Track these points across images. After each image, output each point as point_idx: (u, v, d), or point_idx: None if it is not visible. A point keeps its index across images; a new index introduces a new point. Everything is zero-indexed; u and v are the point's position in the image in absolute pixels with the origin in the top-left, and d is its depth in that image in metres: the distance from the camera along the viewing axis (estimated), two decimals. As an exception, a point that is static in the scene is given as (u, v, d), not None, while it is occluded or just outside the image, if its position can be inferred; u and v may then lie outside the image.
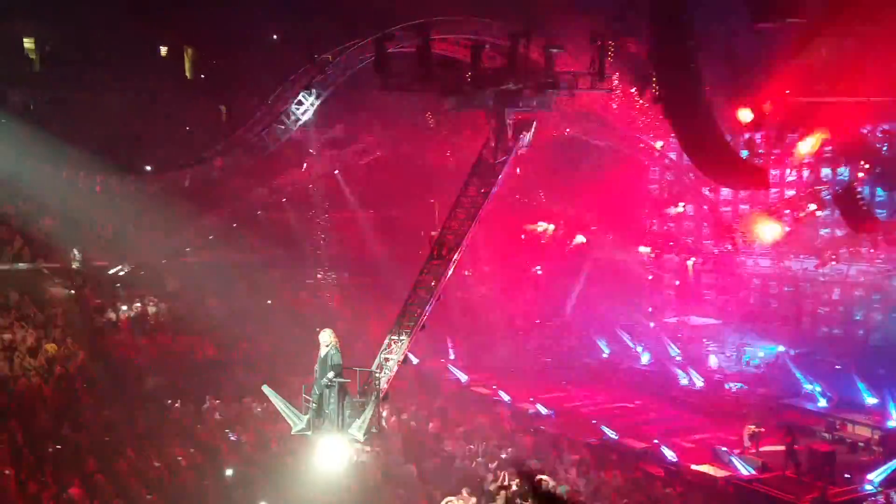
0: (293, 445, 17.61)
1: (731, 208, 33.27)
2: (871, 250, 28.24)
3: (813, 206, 27.95)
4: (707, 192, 32.17)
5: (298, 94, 25.26)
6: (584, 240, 35.20)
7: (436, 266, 16.93)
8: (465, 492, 15.28)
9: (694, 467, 21.60)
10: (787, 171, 30.77)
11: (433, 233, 17.81)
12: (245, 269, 32.60)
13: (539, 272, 35.40)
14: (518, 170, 26.08)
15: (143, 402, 23.17)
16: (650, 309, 35.17)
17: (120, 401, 23.24)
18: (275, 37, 36.61)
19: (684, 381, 29.33)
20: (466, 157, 19.96)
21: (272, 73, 29.41)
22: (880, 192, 28.74)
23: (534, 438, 22.75)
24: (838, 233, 29.27)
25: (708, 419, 26.31)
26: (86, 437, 20.14)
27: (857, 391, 25.89)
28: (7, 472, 17.88)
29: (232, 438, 21.03)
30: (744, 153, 26.50)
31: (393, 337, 16.41)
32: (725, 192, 32.13)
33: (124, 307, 30.20)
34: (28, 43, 37.28)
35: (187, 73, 38.50)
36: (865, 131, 27.17)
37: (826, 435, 24.46)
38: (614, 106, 26.42)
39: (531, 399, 26.72)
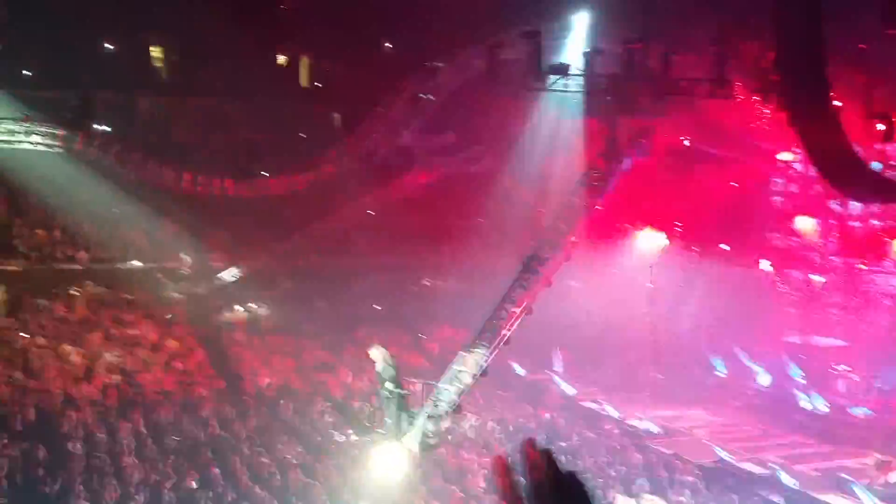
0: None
1: (861, 223, 32.04)
2: None
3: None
4: (835, 206, 31.15)
5: (410, 101, 26.05)
6: (697, 252, 34.55)
7: (527, 279, 17.10)
8: None
9: (815, 496, 20.98)
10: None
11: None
12: (354, 273, 33.74)
13: (651, 285, 34.91)
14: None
15: (255, 400, 24.23)
16: (771, 328, 34.15)
17: (234, 398, 24.45)
18: (388, 45, 37.73)
19: (806, 405, 28.35)
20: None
21: (385, 80, 30.34)
22: None
23: (643, 457, 22.54)
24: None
25: (831, 446, 25.32)
26: (203, 431, 21.29)
27: None
28: (131, 462, 19.16)
29: (338, 439, 21.76)
30: (875, 165, 25.66)
31: (469, 350, 16.61)
32: (855, 205, 31.01)
33: (239, 307, 31.80)
34: (155, 52, 39.69)
35: (302, 82, 40.15)
36: None
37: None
38: (735, 114, 26.02)
39: (640, 416, 26.43)
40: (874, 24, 19.41)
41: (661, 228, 34.67)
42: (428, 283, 32.36)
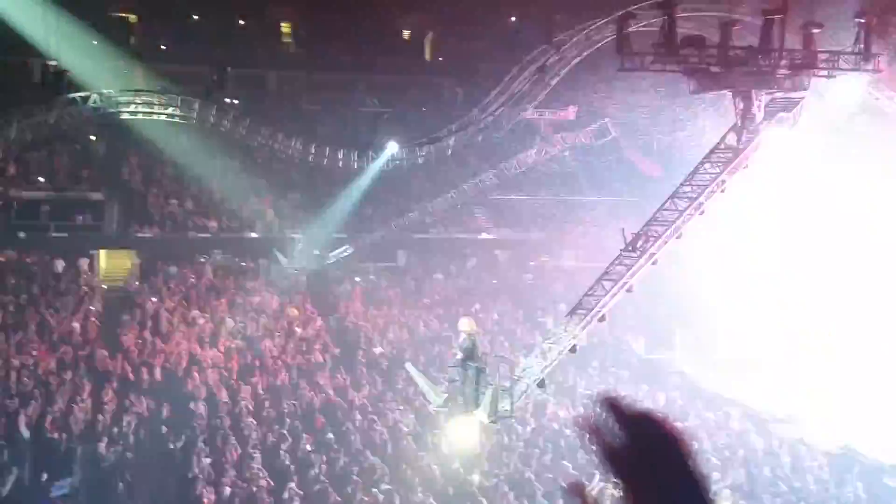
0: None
1: None
2: None
3: None
4: None
5: (534, 75, 25.48)
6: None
7: (629, 258, 16.39)
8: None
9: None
10: None
11: (623, 227, 17.12)
12: (473, 247, 33.60)
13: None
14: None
15: (370, 369, 24.39)
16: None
17: (349, 366, 24.71)
18: (513, 18, 37.17)
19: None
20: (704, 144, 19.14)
21: (509, 54, 29.85)
22: None
23: (765, 440, 21.55)
24: None
25: None
26: (319, 397, 21.59)
27: None
28: (250, 423, 19.63)
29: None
30: None
31: (561, 326, 16.16)
32: None
33: (357, 278, 32.14)
34: (285, 27, 40.48)
35: (427, 56, 40.13)
36: None
37: None
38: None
39: (766, 399, 25.28)
40: None
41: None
42: (546, 259, 31.82)
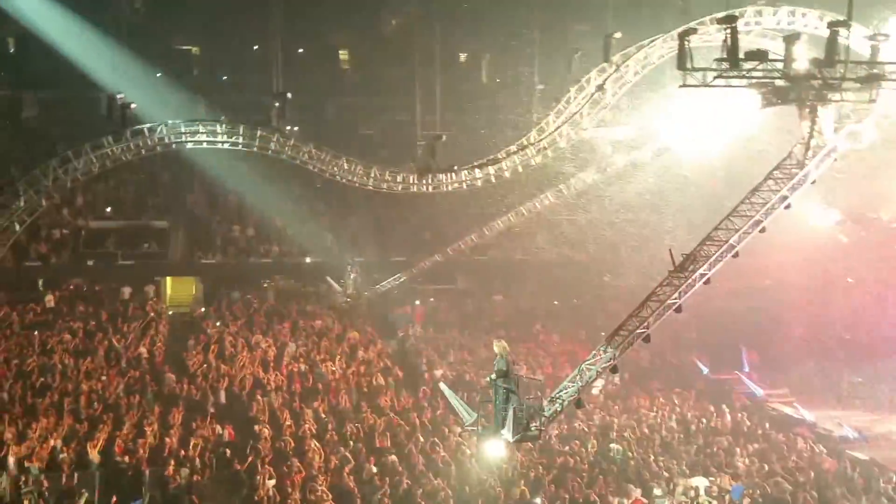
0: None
1: None
2: None
3: None
4: None
5: (592, 94, 25.27)
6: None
7: (677, 277, 16.07)
8: None
9: None
10: None
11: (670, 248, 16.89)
12: (532, 268, 33.45)
13: (851, 281, 32.33)
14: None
15: (431, 391, 24.33)
16: None
17: (411, 388, 24.70)
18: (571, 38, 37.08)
19: None
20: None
21: (567, 74, 29.74)
22: None
23: (837, 462, 20.90)
24: None
25: None
26: (380, 419, 21.59)
27: None
28: (314, 445, 19.71)
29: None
30: None
31: (602, 348, 15.96)
32: None
33: (417, 301, 32.26)
34: (343, 54, 41.10)
35: (483, 78, 40.32)
36: None
37: None
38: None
39: (838, 421, 24.58)
40: None
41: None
42: (607, 279, 31.47)
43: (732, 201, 17.23)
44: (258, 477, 17.86)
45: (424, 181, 29.60)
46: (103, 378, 24.01)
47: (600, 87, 25.00)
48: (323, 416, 22.03)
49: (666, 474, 19.46)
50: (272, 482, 17.66)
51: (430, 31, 37.33)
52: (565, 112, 25.95)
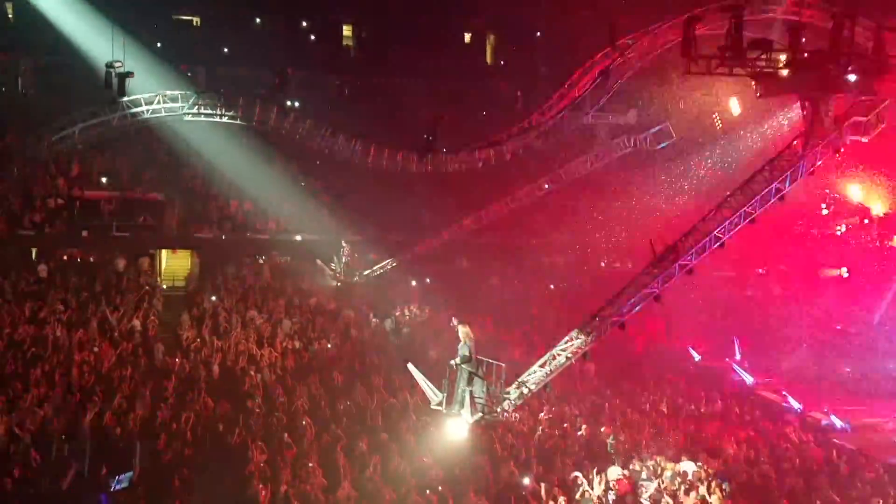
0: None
1: None
2: None
3: None
4: None
5: (596, 79, 25.45)
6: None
7: (657, 267, 16.31)
8: None
9: None
10: None
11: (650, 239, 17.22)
12: (529, 252, 33.68)
13: (844, 274, 32.66)
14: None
15: (427, 371, 24.54)
16: None
17: (403, 368, 24.91)
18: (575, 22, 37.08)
19: None
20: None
21: (571, 58, 29.86)
22: None
23: (824, 450, 21.23)
24: None
25: None
26: (373, 397, 21.85)
27: None
28: (305, 422, 19.95)
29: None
30: None
31: (574, 334, 16.25)
32: None
33: (414, 281, 32.47)
34: (346, 31, 41.03)
35: (487, 59, 40.32)
36: None
37: None
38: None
39: (825, 409, 24.99)
40: None
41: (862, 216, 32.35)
42: (603, 265, 31.72)
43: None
44: (250, 452, 18.10)
45: (425, 161, 29.79)
46: (95, 350, 24.16)
47: (604, 72, 25.19)
48: (316, 393, 22.28)
49: (655, 458, 19.77)
50: (264, 457, 17.91)
51: (434, 10, 37.24)
52: (568, 96, 26.17)
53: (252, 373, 23.09)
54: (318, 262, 31.35)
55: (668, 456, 19.99)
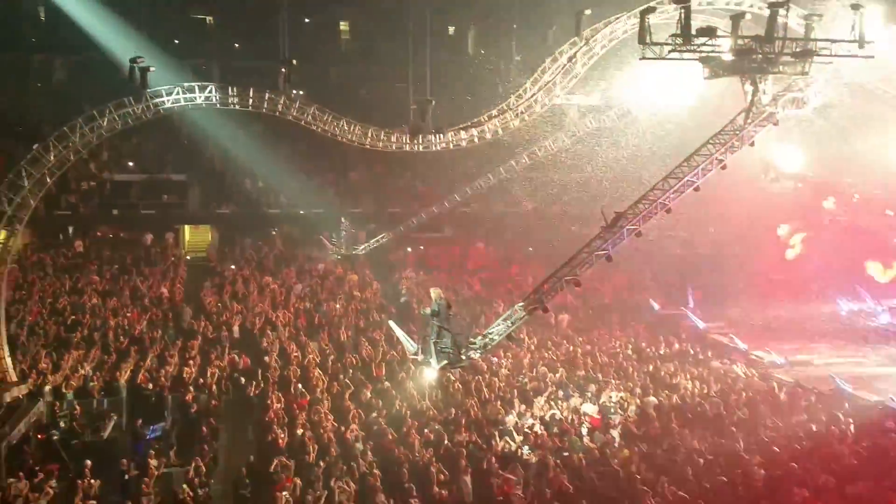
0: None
1: None
2: None
3: None
4: None
5: (565, 65, 25.36)
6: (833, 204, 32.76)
7: (608, 233, 16.43)
8: None
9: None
10: None
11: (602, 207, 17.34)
12: (510, 218, 33.92)
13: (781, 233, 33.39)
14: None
15: (420, 327, 24.82)
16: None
17: (403, 324, 25.18)
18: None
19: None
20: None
21: (542, 47, 29.93)
22: None
23: (767, 384, 21.67)
24: None
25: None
26: (379, 352, 22.13)
27: None
28: (317, 373, 20.26)
29: (493, 360, 22.09)
30: None
31: (535, 291, 16.47)
32: None
33: (409, 248, 32.70)
34: (344, 25, 40.76)
35: (470, 49, 40.15)
36: None
37: None
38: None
39: (766, 349, 25.57)
40: None
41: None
42: (574, 229, 31.86)
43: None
44: (268, 401, 18.42)
45: (416, 141, 29.73)
46: (128, 315, 24.44)
47: (571, 59, 25.11)
48: (325, 348, 22.58)
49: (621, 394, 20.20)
50: (280, 405, 18.24)
51: (422, 5, 36.96)
52: (540, 81, 26.08)
53: (268, 332, 23.40)
54: (322, 237, 31.43)
55: (633, 392, 20.45)
